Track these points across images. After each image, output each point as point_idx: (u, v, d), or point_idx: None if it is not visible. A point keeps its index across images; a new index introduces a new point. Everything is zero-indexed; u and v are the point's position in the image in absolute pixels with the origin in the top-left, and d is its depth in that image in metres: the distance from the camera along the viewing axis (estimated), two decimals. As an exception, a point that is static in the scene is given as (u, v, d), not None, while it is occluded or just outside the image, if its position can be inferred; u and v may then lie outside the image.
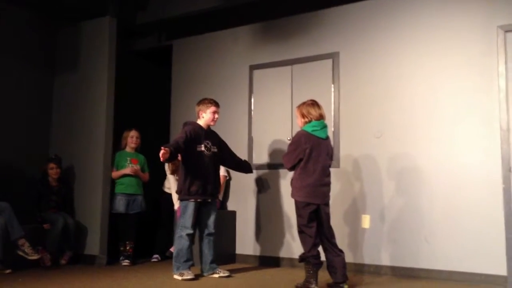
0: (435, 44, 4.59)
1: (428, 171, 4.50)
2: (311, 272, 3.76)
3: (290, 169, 3.97)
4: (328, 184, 3.95)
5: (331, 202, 4.60)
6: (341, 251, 3.86)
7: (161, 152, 3.96)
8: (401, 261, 4.53)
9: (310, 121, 3.91)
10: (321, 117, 3.93)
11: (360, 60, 4.95)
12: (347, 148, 4.91)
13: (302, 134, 3.88)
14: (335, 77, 5.04)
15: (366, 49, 4.93)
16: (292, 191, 3.93)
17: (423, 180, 4.52)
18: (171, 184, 5.39)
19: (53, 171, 5.26)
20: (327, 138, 3.98)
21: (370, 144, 4.80)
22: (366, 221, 4.73)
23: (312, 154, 3.84)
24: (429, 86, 4.59)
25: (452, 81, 4.49)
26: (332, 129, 4.96)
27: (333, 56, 5.07)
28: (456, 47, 4.50)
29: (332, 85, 5.05)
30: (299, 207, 3.86)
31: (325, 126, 3.95)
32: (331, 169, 4.04)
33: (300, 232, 3.87)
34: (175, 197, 5.29)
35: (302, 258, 3.85)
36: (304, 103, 4.00)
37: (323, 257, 3.86)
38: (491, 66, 4.33)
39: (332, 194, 4.87)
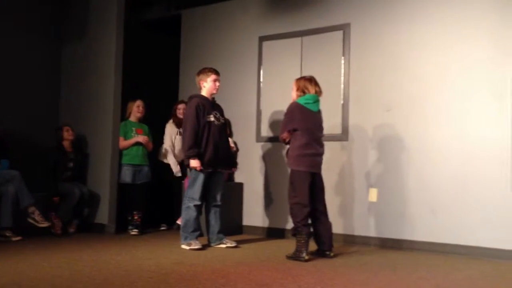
0: (449, 16, 4.49)
1: (439, 144, 4.47)
2: (303, 241, 3.80)
3: (285, 141, 4.04)
4: (322, 154, 4.08)
5: (338, 173, 4.57)
6: (328, 220, 4.02)
7: (196, 166, 4.24)
8: (406, 234, 4.54)
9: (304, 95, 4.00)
10: (316, 94, 4.02)
11: (372, 31, 4.86)
12: (356, 121, 4.87)
13: (296, 106, 3.98)
14: (345, 49, 4.96)
15: (377, 20, 4.84)
16: (290, 161, 3.98)
17: (432, 152, 4.48)
18: (168, 153, 5.52)
19: (68, 133, 5.26)
20: (319, 111, 4.06)
21: (380, 117, 4.76)
22: (373, 195, 4.73)
23: (307, 125, 3.92)
24: (442, 59, 4.51)
25: (466, 53, 4.41)
26: (342, 101, 4.93)
27: (344, 28, 4.98)
28: (471, 18, 4.40)
29: (343, 57, 4.98)
30: (297, 176, 3.91)
31: (317, 100, 4.03)
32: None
33: (295, 203, 3.90)
34: (173, 165, 5.48)
35: (296, 230, 3.88)
36: (303, 77, 4.14)
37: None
38: (507, 39, 4.24)
39: (340, 166, 4.89)
